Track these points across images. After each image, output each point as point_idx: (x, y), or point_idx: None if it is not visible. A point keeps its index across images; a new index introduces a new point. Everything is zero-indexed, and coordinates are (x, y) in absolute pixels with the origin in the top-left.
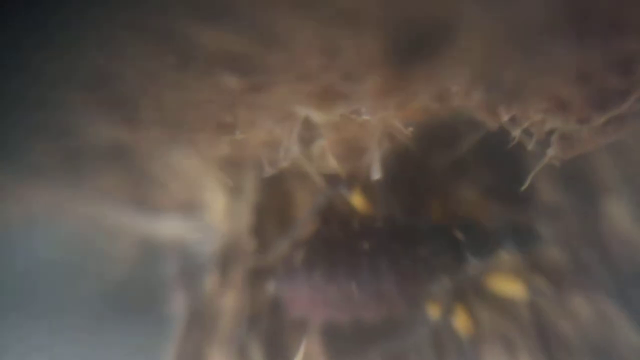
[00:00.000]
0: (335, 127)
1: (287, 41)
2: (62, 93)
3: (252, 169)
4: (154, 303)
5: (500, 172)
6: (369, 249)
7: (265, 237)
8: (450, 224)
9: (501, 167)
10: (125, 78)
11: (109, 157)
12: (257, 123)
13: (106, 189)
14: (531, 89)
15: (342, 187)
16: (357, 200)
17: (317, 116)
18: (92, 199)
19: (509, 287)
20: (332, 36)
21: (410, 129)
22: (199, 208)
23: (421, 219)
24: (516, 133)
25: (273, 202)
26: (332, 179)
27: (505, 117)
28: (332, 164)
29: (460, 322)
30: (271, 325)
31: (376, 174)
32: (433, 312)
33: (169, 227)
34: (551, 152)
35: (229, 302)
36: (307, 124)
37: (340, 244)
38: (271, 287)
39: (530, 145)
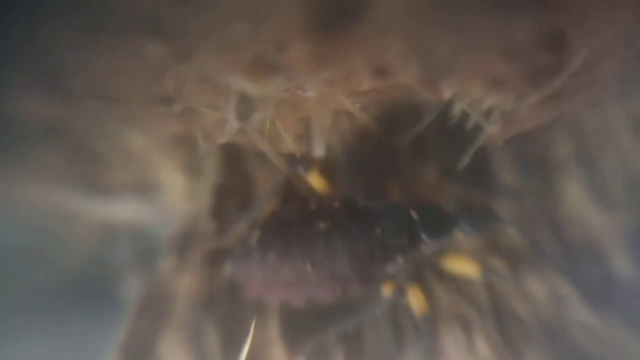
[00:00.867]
0: (288, 105)
1: (211, 5)
2: None
3: (213, 150)
4: (108, 288)
5: (457, 154)
6: (325, 229)
7: (225, 218)
8: (406, 205)
9: (459, 148)
10: (45, 45)
11: (49, 136)
12: (191, 96)
13: (53, 171)
14: (465, 63)
15: (300, 167)
16: (315, 181)
17: (254, 89)
18: (39, 182)
19: (464, 267)
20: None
21: (358, 105)
22: (155, 189)
23: (378, 200)
24: (458, 111)
25: (233, 183)
26: (289, 159)
27: (447, 94)
28: (289, 143)
29: (416, 301)
30: (228, 308)
31: (319, 152)
32: (389, 291)
33: (123, 210)
34: (491, 130)
35: (185, 284)
36: (248, 99)
37: (296, 224)
38: (228, 268)
39: (470, 123)
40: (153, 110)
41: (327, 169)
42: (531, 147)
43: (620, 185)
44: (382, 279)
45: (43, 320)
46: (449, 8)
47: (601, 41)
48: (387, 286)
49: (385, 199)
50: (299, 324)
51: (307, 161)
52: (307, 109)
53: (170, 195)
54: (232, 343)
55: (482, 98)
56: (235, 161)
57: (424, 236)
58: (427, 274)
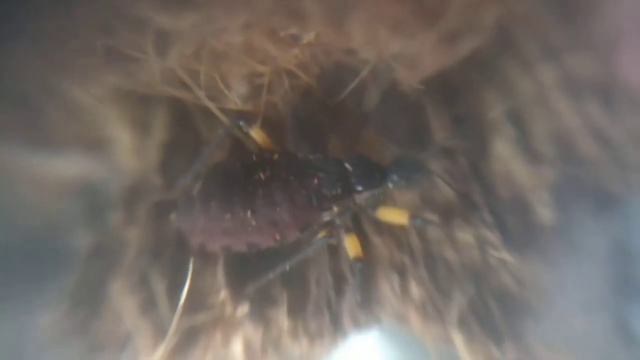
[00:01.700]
0: (222, 59)
1: None
2: None
3: (159, 106)
4: (58, 240)
5: (394, 111)
6: (265, 180)
7: (173, 173)
8: (342, 158)
9: (396, 106)
10: None
11: None
12: (112, 34)
13: None
14: (363, 5)
15: (242, 122)
16: (257, 135)
17: (170, 23)
18: None
19: (397, 216)
20: None
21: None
22: (104, 145)
23: (316, 153)
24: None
25: (181, 139)
26: (232, 113)
27: (358, 39)
28: (234, 100)
29: (352, 248)
30: (174, 255)
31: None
32: (324, 235)
33: (70, 165)
34: (397, 76)
35: (134, 235)
36: (165, 34)
37: (237, 175)
38: (172, 218)
39: (378, 69)
40: (82, 58)
41: (271, 127)
42: (464, 107)
43: (547, 142)
44: (319, 226)
45: None
46: None
47: None
48: (324, 233)
49: (323, 152)
50: (243, 270)
51: (249, 116)
52: (241, 61)
53: (118, 151)
54: (178, 287)
55: (388, 42)
56: (182, 117)
57: (357, 186)
58: (365, 226)
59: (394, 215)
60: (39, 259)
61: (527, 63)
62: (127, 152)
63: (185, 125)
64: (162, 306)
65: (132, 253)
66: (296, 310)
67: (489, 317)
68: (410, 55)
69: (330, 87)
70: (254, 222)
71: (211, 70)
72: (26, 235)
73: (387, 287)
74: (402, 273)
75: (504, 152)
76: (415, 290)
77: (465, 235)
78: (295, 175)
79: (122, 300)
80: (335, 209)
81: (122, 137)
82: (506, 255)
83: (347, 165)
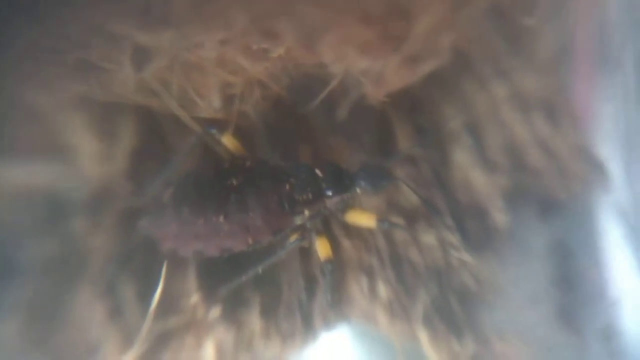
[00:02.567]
0: (194, 69)
1: None
2: None
3: (127, 113)
4: (14, 250)
5: (362, 122)
6: (237, 186)
7: (141, 179)
8: (312, 164)
9: (363, 116)
10: None
11: None
12: (84, 45)
13: None
14: (333, 29)
15: (214, 130)
16: (229, 142)
17: (147, 40)
18: None
19: (364, 220)
20: None
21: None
22: (68, 152)
23: (288, 160)
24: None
25: (149, 146)
26: (204, 122)
27: (327, 58)
28: (204, 108)
29: (323, 250)
30: (143, 262)
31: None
32: (295, 239)
33: (33, 173)
34: (365, 90)
35: (100, 242)
36: (143, 49)
37: (210, 181)
38: (143, 225)
39: (346, 83)
40: (47, 66)
41: (242, 135)
42: (426, 118)
43: (500, 152)
44: (291, 230)
45: None
46: None
47: (439, 14)
48: (295, 236)
49: (294, 159)
50: (215, 273)
51: (221, 124)
52: (213, 73)
53: (83, 159)
54: (147, 293)
55: (356, 61)
56: (150, 124)
57: (327, 191)
58: (334, 227)
59: (362, 219)
60: None
61: (482, 80)
62: (93, 159)
63: (154, 132)
64: (130, 312)
65: (98, 260)
66: (268, 311)
67: (451, 314)
68: (376, 73)
69: (299, 97)
70: (226, 227)
71: (183, 81)
72: None
73: (356, 288)
74: (370, 274)
75: (463, 161)
76: (382, 290)
77: (428, 238)
78: (268, 181)
79: (89, 308)
80: (306, 213)
81: (87, 144)
82: (466, 256)
83: (318, 172)
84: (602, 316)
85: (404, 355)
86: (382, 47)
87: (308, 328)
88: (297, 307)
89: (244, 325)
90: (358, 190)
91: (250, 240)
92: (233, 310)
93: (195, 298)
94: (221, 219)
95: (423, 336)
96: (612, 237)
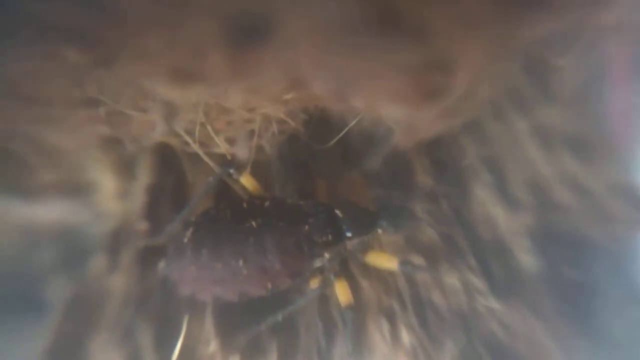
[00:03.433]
0: (216, 109)
1: (125, 14)
2: None
3: (144, 150)
4: (34, 289)
5: (375, 157)
6: (255, 227)
7: (158, 218)
8: (331, 204)
9: (380, 153)
10: None
11: None
12: (116, 99)
13: None
14: (368, 79)
15: (232, 169)
16: (247, 181)
17: (176, 96)
18: None
19: (385, 261)
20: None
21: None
22: (84, 189)
23: (304, 197)
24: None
25: (166, 183)
26: (221, 161)
27: (357, 106)
28: (220, 145)
29: (343, 294)
30: (161, 306)
31: (245, 154)
32: (316, 284)
33: (48, 210)
34: (396, 138)
35: (117, 283)
36: (173, 102)
37: (228, 222)
38: (161, 267)
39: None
40: (77, 112)
41: (257, 170)
42: (445, 154)
43: (523, 189)
44: (310, 273)
45: None
46: (352, 31)
47: (478, 66)
48: (315, 279)
49: (312, 198)
50: (232, 320)
51: (238, 162)
52: (237, 114)
53: (101, 196)
54: (165, 340)
55: (387, 110)
56: (168, 162)
57: (347, 232)
58: (353, 269)
59: (383, 261)
60: (12, 312)
61: (502, 114)
62: (110, 196)
63: (171, 168)
64: None
65: (115, 304)
66: (286, 359)
67: None
68: (407, 123)
69: (316, 132)
70: (245, 271)
71: (201, 118)
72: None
73: (377, 333)
74: (391, 318)
75: (483, 197)
76: (405, 336)
77: (452, 280)
78: (286, 221)
79: (105, 356)
80: (326, 255)
81: (104, 180)
82: (493, 302)
83: (337, 211)
84: None
85: None
86: (416, 98)
87: None
88: (315, 354)
89: None
90: (379, 230)
91: (268, 285)
92: (250, 358)
93: (213, 346)
94: (240, 262)
95: None
96: None
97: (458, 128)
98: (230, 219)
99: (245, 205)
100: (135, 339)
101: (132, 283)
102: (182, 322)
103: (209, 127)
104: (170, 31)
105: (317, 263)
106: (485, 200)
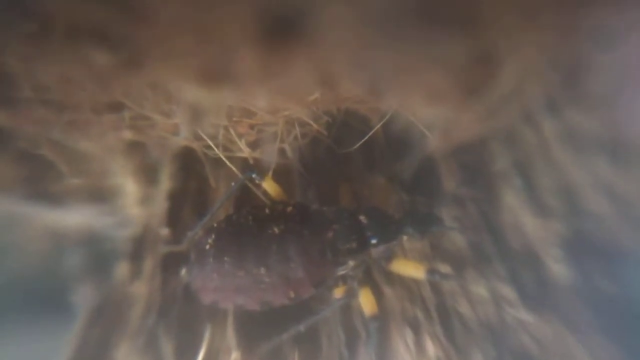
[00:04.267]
0: (241, 112)
1: (155, 15)
2: None
3: (167, 155)
4: (60, 294)
5: (404, 162)
6: (278, 234)
7: (180, 223)
8: (356, 210)
9: (405, 156)
10: None
11: None
12: (142, 103)
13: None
14: (406, 77)
15: (254, 173)
16: (269, 186)
17: (205, 97)
18: None
19: (411, 269)
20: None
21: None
22: (108, 194)
23: (329, 205)
24: (403, 121)
25: (189, 188)
26: (244, 165)
27: (392, 105)
28: (243, 149)
29: (367, 303)
30: (183, 313)
31: (271, 158)
32: (340, 293)
33: (74, 215)
34: (433, 140)
35: (140, 289)
36: (199, 106)
37: (250, 229)
38: (183, 274)
39: (415, 134)
40: (103, 117)
41: (279, 174)
42: (473, 159)
43: (553, 195)
44: (334, 282)
45: None
46: (390, 27)
47: (528, 61)
48: (339, 288)
49: (335, 204)
50: (254, 329)
51: (261, 167)
52: (260, 117)
53: (125, 201)
54: (187, 348)
55: (424, 109)
56: (190, 166)
57: (372, 240)
58: (376, 277)
59: (409, 269)
60: (39, 318)
61: (531, 116)
62: (133, 201)
63: (193, 173)
64: None
65: (139, 310)
66: None
67: None
68: (443, 126)
69: (340, 135)
70: (267, 279)
71: (224, 121)
72: (27, 286)
73: (401, 343)
74: (415, 328)
75: (512, 203)
76: (430, 347)
77: (479, 289)
78: (310, 228)
79: None
80: (350, 263)
81: (128, 185)
82: (523, 314)
83: (362, 218)
84: None
85: None
86: (457, 96)
87: None
88: None
89: None
90: (405, 237)
91: (291, 294)
92: None
93: (234, 356)
94: (262, 270)
95: None
96: None
97: (487, 131)
98: (252, 225)
99: (267, 210)
100: (158, 347)
101: (155, 290)
102: (204, 330)
103: (232, 131)
104: (199, 30)
105: (341, 271)
106: (515, 206)
